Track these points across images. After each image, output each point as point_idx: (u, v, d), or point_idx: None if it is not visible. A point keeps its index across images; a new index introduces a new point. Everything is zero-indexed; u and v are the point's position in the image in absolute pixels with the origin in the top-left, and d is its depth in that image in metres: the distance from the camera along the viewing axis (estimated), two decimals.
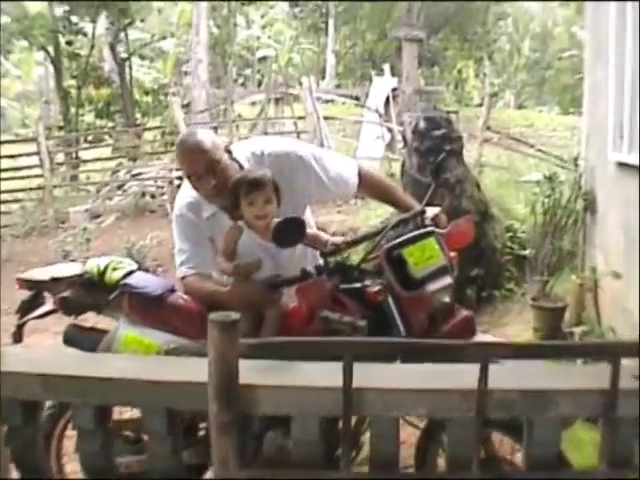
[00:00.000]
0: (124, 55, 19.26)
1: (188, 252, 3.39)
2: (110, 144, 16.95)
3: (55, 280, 3.47)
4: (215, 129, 15.40)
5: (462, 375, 2.25)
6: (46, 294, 3.56)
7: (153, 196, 13.24)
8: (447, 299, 3.23)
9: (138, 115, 20.17)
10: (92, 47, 19.18)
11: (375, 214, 8.32)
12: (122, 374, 2.39)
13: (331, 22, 28.80)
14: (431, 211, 3.45)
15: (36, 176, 13.45)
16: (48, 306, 3.53)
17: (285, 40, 28.60)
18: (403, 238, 3.22)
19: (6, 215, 13.10)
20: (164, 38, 21.73)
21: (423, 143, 7.02)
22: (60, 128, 18.47)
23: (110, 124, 19.93)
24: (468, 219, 3.55)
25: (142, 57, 21.83)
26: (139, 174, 13.86)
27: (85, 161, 15.86)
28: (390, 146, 13.06)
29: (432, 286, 3.12)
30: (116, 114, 19.89)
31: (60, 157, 16.06)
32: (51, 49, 18.12)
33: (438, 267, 3.19)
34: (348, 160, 3.73)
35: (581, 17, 31.34)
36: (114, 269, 3.47)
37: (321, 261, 3.21)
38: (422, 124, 7.03)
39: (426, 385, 2.31)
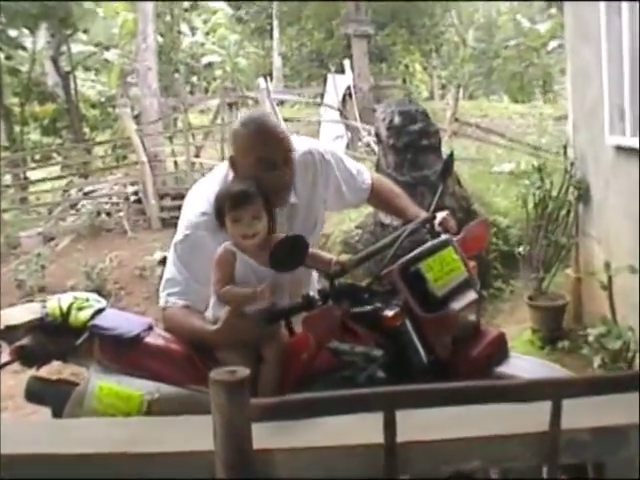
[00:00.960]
0: (67, 68, 18.54)
1: (182, 284, 2.92)
2: (59, 162, 16.28)
3: (10, 328, 2.97)
4: (170, 138, 14.85)
5: (515, 415, 1.80)
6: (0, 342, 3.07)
7: (109, 214, 12.57)
8: (473, 317, 2.81)
9: (87, 130, 19.49)
10: (33, 61, 18.47)
11: (349, 217, 7.87)
12: (100, 447, 1.89)
13: (276, 24, 28.42)
14: (439, 215, 3.07)
15: None
16: (3, 357, 3.03)
17: (230, 45, 28.13)
18: (418, 251, 2.80)
19: None
20: (107, 49, 21.07)
21: (399, 139, 6.70)
22: (6, 148, 17.77)
23: (58, 141, 19.20)
24: (482, 223, 3.23)
25: (86, 69, 21.13)
26: (92, 192, 13.23)
27: (33, 182, 15.17)
28: (351, 145, 12.66)
29: (456, 304, 2.73)
30: (63, 130, 19.21)
31: (7, 179, 15.39)
32: None
33: (460, 281, 2.82)
34: (359, 165, 3.39)
35: (525, 5, 31.36)
36: (79, 309, 3.01)
37: (323, 284, 2.79)
38: (397, 119, 6.69)
39: (478, 431, 1.86)
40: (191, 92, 25.15)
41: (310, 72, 29.04)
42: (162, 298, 2.97)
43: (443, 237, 2.94)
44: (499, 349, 2.79)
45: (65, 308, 2.98)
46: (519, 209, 7.36)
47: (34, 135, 19.99)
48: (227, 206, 2.69)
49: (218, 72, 27.36)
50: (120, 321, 3.02)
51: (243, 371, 1.76)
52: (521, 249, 6.28)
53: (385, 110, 6.85)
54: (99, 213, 12.23)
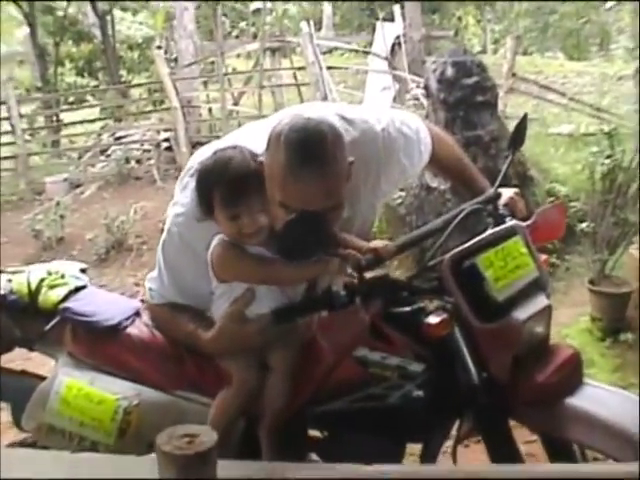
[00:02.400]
0: (105, 7, 17.88)
1: (165, 282, 2.35)
2: (94, 104, 15.73)
3: None
4: (205, 83, 14.21)
5: None
6: None
7: (139, 161, 11.99)
8: (542, 329, 2.19)
9: (124, 73, 18.89)
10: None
11: None
12: None
13: None
14: (505, 194, 2.49)
15: (9, 143, 12.27)
16: None
17: None
18: (476, 240, 2.19)
19: None
20: None
21: (452, 94, 6.03)
22: (39, 89, 17.28)
23: (93, 83, 18.69)
24: (558, 207, 2.62)
25: (124, 9, 20.47)
26: (124, 137, 12.65)
27: (66, 124, 14.63)
28: (398, 98, 11.94)
29: (522, 312, 2.12)
30: (99, 72, 18.68)
31: (40, 121, 14.91)
32: (24, 4, 16.81)
33: (528, 281, 2.21)
34: (415, 119, 2.56)
35: None
36: (51, 287, 2.50)
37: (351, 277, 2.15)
38: (450, 71, 6.04)
39: None
40: (237, 37, 24.47)
41: (360, 21, 28.27)
42: (146, 290, 2.44)
43: (509, 223, 2.31)
44: (572, 374, 2.17)
45: (34, 285, 2.49)
46: (579, 176, 6.76)
47: (69, 76, 19.39)
48: (218, 196, 2.06)
49: (268, 18, 26.70)
50: (100, 304, 2.50)
51: (208, 436, 1.16)
52: (584, 225, 5.57)
53: (437, 61, 6.21)
54: (128, 160, 11.62)
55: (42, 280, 2.49)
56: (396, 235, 6.80)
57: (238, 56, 16.27)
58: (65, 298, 2.45)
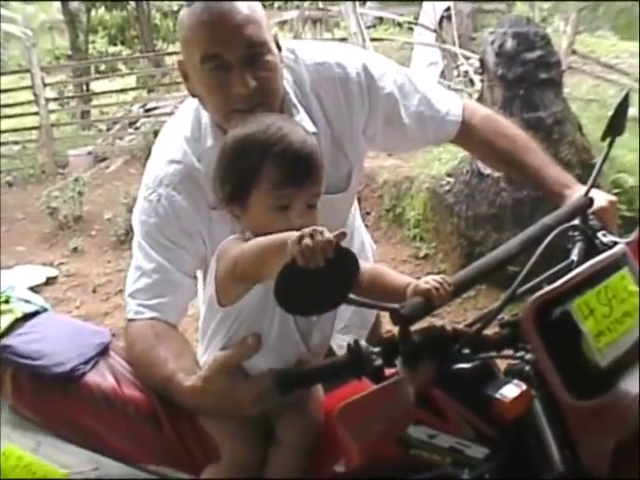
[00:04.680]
0: None
1: (150, 275, 1.84)
2: (125, 74, 15.18)
3: None
4: None
5: None
6: None
7: None
8: None
9: (158, 42, 18.33)
10: None
11: (439, 160, 6.53)
12: None
13: None
14: (597, 200, 1.89)
15: (33, 114, 11.77)
16: None
17: None
18: (571, 275, 1.54)
19: (5, 159, 11.54)
20: None
21: (511, 69, 5.33)
22: (68, 57, 16.79)
23: (126, 52, 18.17)
24: None
25: None
26: (154, 108, 12.05)
27: (97, 94, 14.13)
28: (446, 74, 11.23)
29: (632, 383, 1.50)
30: (133, 40, 18.15)
31: (70, 90, 14.43)
32: None
33: None
34: (444, 90, 2.23)
35: None
36: None
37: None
38: (510, 43, 5.34)
39: None
40: (279, 8, 23.93)
41: None
42: (127, 303, 1.87)
43: (618, 247, 1.64)
44: None
45: None
46: None
47: (101, 45, 18.90)
48: (268, 174, 1.52)
49: None
50: (52, 341, 1.87)
51: None
52: None
53: (495, 31, 5.55)
54: (156, 133, 11.00)
55: None
56: (441, 226, 6.18)
57: (281, 26, 15.61)
58: (9, 329, 1.84)
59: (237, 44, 1.71)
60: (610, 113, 1.87)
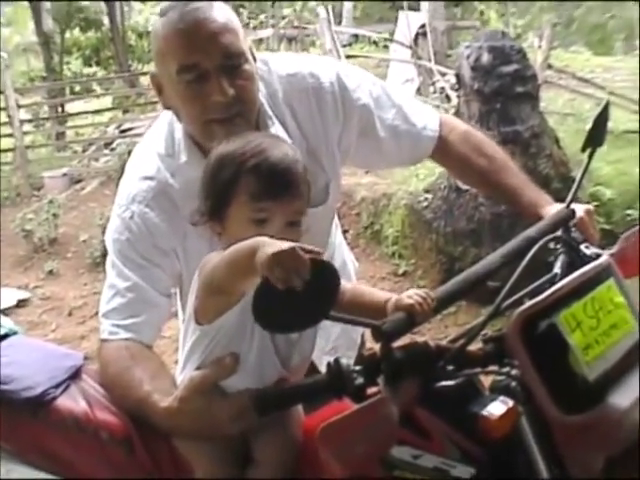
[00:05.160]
0: None
1: (124, 294, 1.79)
2: (100, 94, 15.11)
3: None
4: None
5: None
6: None
7: None
8: None
9: (135, 63, 18.29)
10: None
11: (416, 176, 6.54)
12: None
13: None
14: (578, 212, 1.87)
15: (7, 135, 11.63)
16: None
17: None
18: (557, 287, 1.49)
19: None
20: None
21: (488, 83, 5.37)
22: (43, 79, 16.68)
23: (101, 73, 18.08)
24: None
25: None
26: (129, 129, 11.96)
27: (72, 115, 14.01)
28: (422, 90, 11.28)
29: (622, 397, 1.43)
30: (107, 61, 18.09)
31: (45, 111, 14.32)
32: None
33: (629, 346, 1.52)
34: (421, 104, 2.21)
35: None
36: None
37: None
38: (486, 57, 5.39)
39: None
40: (255, 28, 24.07)
41: (381, 14, 27.75)
42: (101, 322, 1.82)
43: (603, 259, 1.61)
44: None
45: None
46: (623, 178, 6.28)
47: (75, 66, 18.80)
48: (247, 187, 1.49)
49: (287, 11, 26.35)
50: (22, 364, 1.80)
51: None
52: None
53: (471, 45, 5.57)
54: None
55: None
56: (419, 242, 6.17)
57: (257, 45, 15.64)
58: None
59: (215, 52, 1.67)
60: (588, 127, 1.85)
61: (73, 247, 8.12)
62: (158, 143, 1.85)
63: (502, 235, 5.09)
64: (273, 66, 1.90)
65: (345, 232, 6.91)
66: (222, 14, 1.72)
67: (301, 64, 1.95)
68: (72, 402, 1.72)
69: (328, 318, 1.29)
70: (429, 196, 5.88)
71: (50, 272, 7.74)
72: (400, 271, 6.43)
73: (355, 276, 2.38)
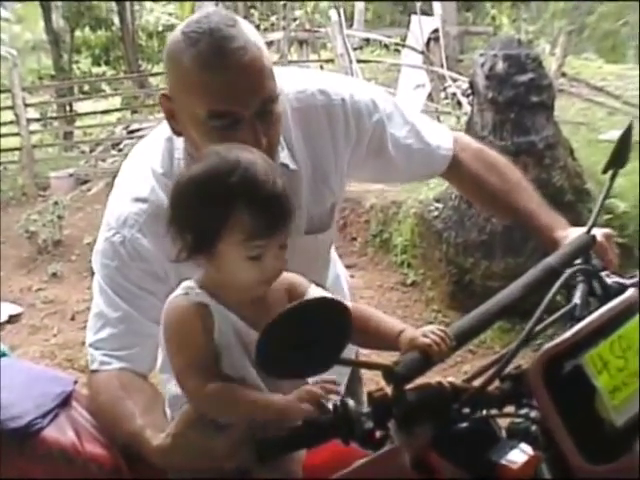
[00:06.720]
0: None
1: (115, 325, 1.70)
2: (108, 94, 15.08)
3: None
4: None
5: None
6: None
7: None
8: None
9: (144, 63, 18.27)
10: None
11: (427, 185, 6.43)
12: None
13: None
14: (598, 237, 1.77)
15: (14, 134, 11.57)
16: None
17: None
18: (580, 327, 1.39)
19: None
20: None
21: (502, 92, 5.27)
22: (52, 77, 16.66)
23: (110, 72, 18.07)
24: None
25: None
26: (137, 130, 11.90)
27: (80, 114, 13.99)
28: (434, 96, 11.20)
29: None
30: (117, 61, 18.04)
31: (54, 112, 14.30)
32: None
33: None
34: (434, 122, 2.20)
35: None
36: None
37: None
38: (501, 65, 5.28)
39: None
40: (266, 29, 24.13)
41: (393, 17, 27.72)
42: (89, 352, 1.74)
43: (630, 292, 1.49)
44: None
45: None
46: (637, 190, 6.05)
47: (84, 65, 18.74)
48: (242, 222, 1.35)
49: (298, 12, 26.36)
50: (9, 391, 1.66)
51: None
52: None
53: (485, 53, 5.48)
54: None
55: None
56: (429, 252, 6.07)
57: (267, 47, 15.62)
58: None
59: (253, 102, 1.55)
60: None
61: (77, 250, 8.06)
62: (154, 159, 1.73)
63: (514, 248, 5.00)
64: (280, 82, 1.79)
65: (353, 240, 6.86)
66: (255, 46, 1.58)
67: (310, 80, 1.86)
68: (60, 433, 1.61)
69: (339, 363, 1.19)
70: (439, 205, 5.80)
71: (54, 275, 7.68)
72: (409, 281, 6.34)
73: (348, 291, 2.30)
